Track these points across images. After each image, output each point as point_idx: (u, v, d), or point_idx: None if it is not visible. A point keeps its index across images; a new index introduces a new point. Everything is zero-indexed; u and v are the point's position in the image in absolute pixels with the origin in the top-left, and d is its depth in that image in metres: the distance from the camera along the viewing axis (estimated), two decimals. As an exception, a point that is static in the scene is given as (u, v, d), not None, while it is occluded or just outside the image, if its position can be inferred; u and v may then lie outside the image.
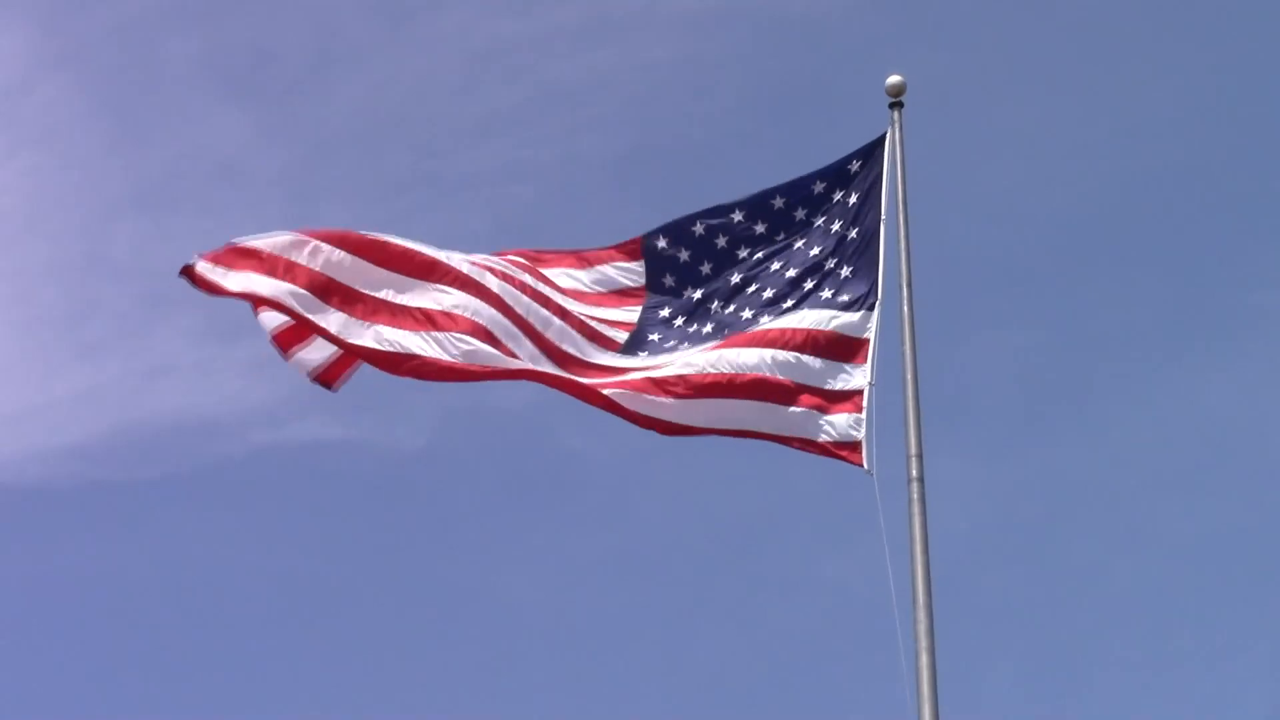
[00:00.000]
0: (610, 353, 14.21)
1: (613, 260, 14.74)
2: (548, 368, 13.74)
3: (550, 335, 13.99)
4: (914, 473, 12.93)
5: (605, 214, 32.92)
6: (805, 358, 13.78)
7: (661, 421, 13.67)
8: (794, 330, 13.94)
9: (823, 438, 13.51)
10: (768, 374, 13.72)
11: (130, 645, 30.96)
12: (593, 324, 14.33)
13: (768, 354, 13.80)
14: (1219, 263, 33.09)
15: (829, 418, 13.56)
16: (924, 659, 12.23)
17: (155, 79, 35.52)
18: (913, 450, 13.00)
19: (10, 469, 31.83)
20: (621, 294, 14.64)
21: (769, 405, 13.65)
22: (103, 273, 34.28)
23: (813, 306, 14.10)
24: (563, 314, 14.18)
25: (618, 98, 35.23)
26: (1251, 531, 29.87)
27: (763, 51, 34.87)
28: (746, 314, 14.30)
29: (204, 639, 30.57)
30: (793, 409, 13.63)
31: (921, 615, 12.36)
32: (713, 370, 13.73)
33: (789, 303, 14.23)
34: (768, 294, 14.37)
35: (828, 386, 13.67)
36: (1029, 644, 28.57)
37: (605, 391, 13.66)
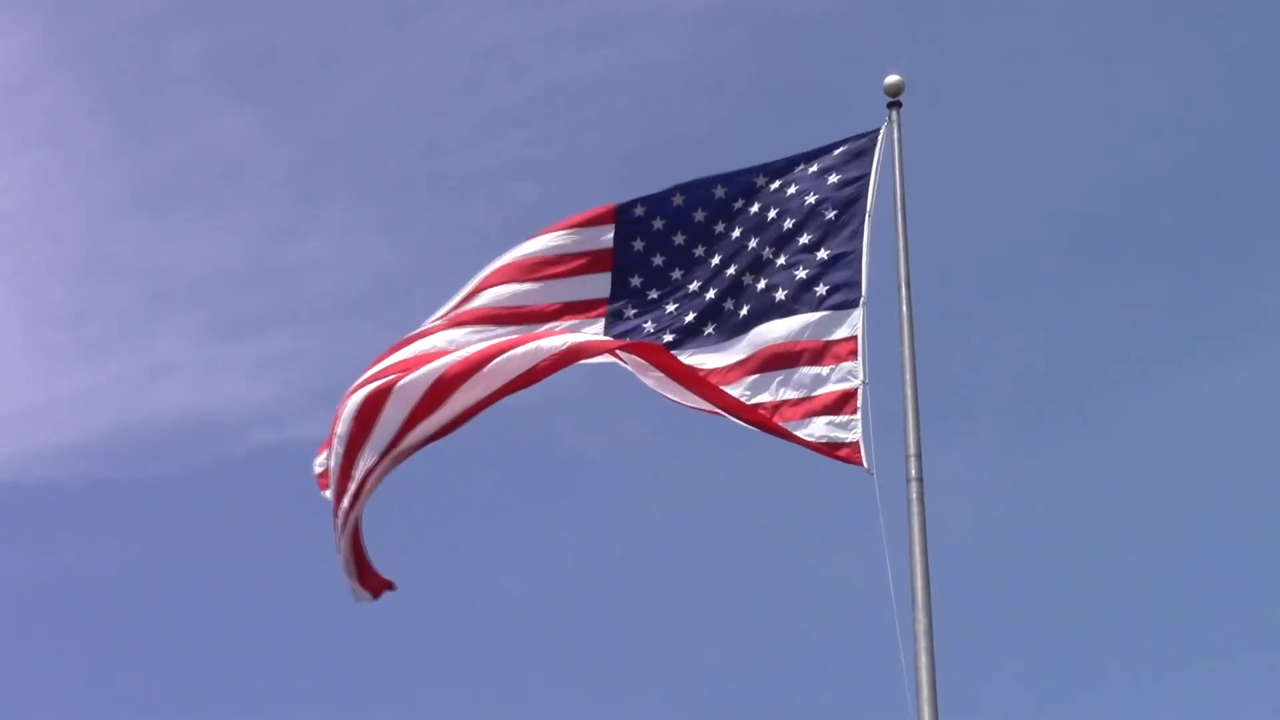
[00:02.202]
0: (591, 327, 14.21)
1: (579, 229, 14.58)
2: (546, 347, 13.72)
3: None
4: (913, 472, 12.91)
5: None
6: (803, 369, 13.77)
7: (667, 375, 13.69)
8: (791, 346, 13.89)
9: (822, 440, 13.49)
10: (770, 399, 13.72)
11: (130, 645, 31.03)
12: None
13: (768, 380, 13.80)
14: (1221, 262, 33.15)
15: (825, 419, 13.54)
16: (924, 659, 12.22)
17: (159, 78, 35.62)
18: (912, 450, 12.99)
19: (13, 468, 31.91)
20: (589, 257, 14.53)
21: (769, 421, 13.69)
22: (106, 272, 34.38)
23: (804, 310, 14.05)
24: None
25: (621, 96, 35.32)
26: (1253, 531, 29.93)
27: (763, 51, 34.93)
28: (744, 312, 14.24)
29: (205, 639, 30.65)
30: (796, 420, 13.65)
31: (921, 615, 12.35)
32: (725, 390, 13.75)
33: (781, 295, 14.18)
34: (747, 280, 14.31)
35: (823, 391, 13.65)
36: (1029, 644, 28.62)
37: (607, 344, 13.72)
